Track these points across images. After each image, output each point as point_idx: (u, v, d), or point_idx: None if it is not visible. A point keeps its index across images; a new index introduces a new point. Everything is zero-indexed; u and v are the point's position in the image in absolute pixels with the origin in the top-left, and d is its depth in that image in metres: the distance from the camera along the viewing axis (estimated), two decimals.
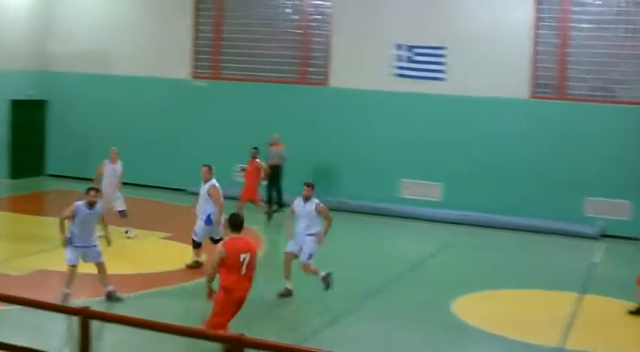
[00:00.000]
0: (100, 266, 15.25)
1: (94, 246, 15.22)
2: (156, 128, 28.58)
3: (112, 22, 29.44)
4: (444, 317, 15.51)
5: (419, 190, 26.08)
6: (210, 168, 17.89)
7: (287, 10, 27.64)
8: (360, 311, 15.77)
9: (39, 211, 24.90)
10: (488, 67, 25.22)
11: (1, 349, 9.16)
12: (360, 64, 26.59)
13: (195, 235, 17.89)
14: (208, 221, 17.65)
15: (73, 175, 27.73)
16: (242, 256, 12.02)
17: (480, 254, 21.91)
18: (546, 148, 24.85)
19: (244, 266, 12.02)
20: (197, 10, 28.52)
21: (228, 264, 11.96)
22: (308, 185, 16.31)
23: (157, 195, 26.76)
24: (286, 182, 25.22)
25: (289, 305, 15.90)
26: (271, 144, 25.34)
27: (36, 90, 29.69)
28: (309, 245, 16.14)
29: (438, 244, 22.33)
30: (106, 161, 20.90)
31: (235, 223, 12.29)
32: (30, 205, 25.47)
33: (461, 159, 25.55)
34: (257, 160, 23.75)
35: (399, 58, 26.13)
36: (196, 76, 28.68)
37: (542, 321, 15.55)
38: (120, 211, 20.76)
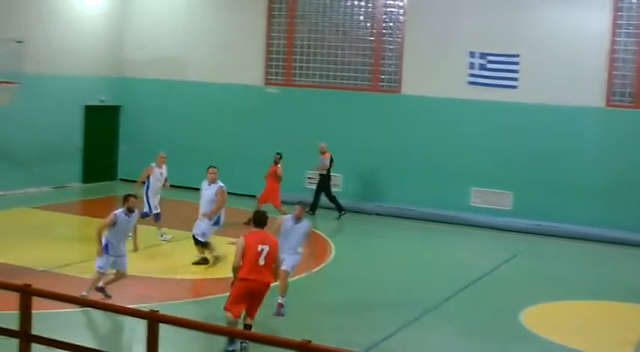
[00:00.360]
0: (121, 275, 15.47)
1: (124, 255, 15.46)
2: (227, 134, 28.71)
3: (186, 30, 29.69)
4: (513, 327, 15.32)
5: (489, 198, 25.84)
6: (217, 169, 18.47)
7: (360, 17, 27.60)
8: (428, 320, 15.62)
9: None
10: (562, 74, 24.89)
11: (70, 350, 9.25)
12: (432, 72, 26.44)
13: (203, 236, 18.02)
14: (217, 222, 17.88)
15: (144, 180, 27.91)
16: (260, 247, 12.51)
17: (549, 264, 21.58)
18: (621, 157, 24.43)
19: (262, 257, 12.45)
20: (270, 17, 28.62)
21: (246, 253, 12.46)
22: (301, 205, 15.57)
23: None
24: (354, 188, 25.22)
25: (355, 313, 15.82)
26: (322, 153, 25.72)
27: (110, 96, 30.08)
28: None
29: (508, 253, 22.04)
30: (153, 164, 21.11)
31: (259, 219, 12.93)
32: (101, 209, 25.63)
33: (532, 167, 25.25)
34: (278, 165, 23.91)
35: (472, 66, 25.92)
36: (268, 83, 28.78)
37: (616, 334, 15.25)
38: (155, 214, 20.97)
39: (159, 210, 20.92)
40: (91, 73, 29.31)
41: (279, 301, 14.93)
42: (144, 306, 13.91)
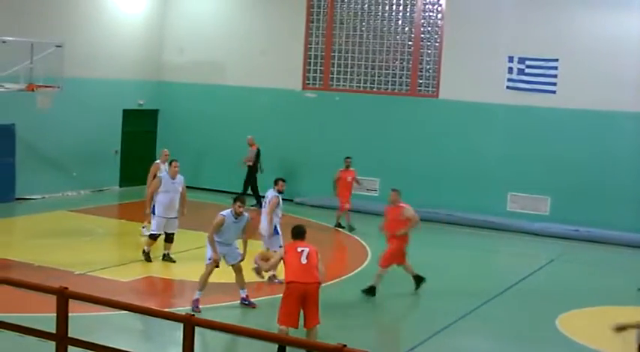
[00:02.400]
0: (238, 268, 15.58)
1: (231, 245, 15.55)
2: (265, 138, 28.75)
3: (224, 34, 29.81)
4: (550, 333, 15.23)
5: (526, 203, 25.71)
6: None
7: (398, 22, 27.58)
8: (465, 325, 15.56)
9: (147, 219, 25.24)
10: (601, 79, 24.73)
11: None
12: (470, 76, 26.36)
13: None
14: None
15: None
16: (300, 248, 12.69)
17: (587, 269, 21.45)
18: None
19: (304, 256, 12.55)
20: (309, 21, 28.67)
21: (288, 258, 12.68)
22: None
23: None
24: (384, 191, 25.19)
25: (392, 316, 15.81)
26: (249, 145, 27.10)
27: (148, 100, 30.28)
28: None
29: (545, 258, 21.92)
30: (161, 165, 21.40)
31: (297, 232, 13.05)
32: (139, 213, 25.83)
33: (570, 172, 25.09)
34: (351, 169, 24.40)
35: (510, 71, 25.82)
36: (307, 87, 28.83)
37: None
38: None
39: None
40: (129, 76, 29.52)
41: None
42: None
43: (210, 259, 15.20)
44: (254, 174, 27.00)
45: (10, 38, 22.20)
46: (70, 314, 9.20)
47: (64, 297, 9.21)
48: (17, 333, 9.69)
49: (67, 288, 9.27)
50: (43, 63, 22.49)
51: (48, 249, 19.22)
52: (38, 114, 24.23)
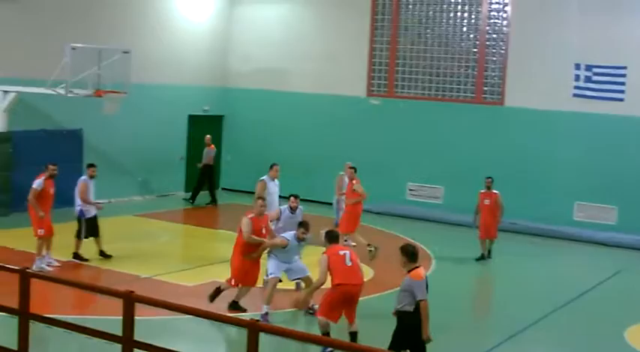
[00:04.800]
0: (308, 280, 15.54)
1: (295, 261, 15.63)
2: (328, 145, 28.80)
3: (289, 41, 29.92)
4: (617, 345, 15.01)
5: (593, 213, 25.36)
6: None
7: (463, 29, 27.42)
8: (529, 335, 15.40)
9: (212, 224, 25.46)
10: None
11: None
12: (536, 84, 26.08)
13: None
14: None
15: (246, 190, 27.92)
16: (341, 252, 13.22)
17: None
18: None
19: (347, 259, 13.05)
20: (373, 28, 28.65)
21: (332, 262, 13.01)
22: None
23: (327, 212, 26.77)
24: (455, 201, 25.10)
25: (454, 326, 15.67)
26: (206, 145, 27.84)
27: (213, 106, 30.50)
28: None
29: (612, 269, 21.57)
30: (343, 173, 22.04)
31: (334, 236, 13.66)
32: (204, 218, 26.08)
33: (638, 181, 24.69)
34: (495, 192, 21.57)
35: (577, 78, 25.51)
36: (371, 94, 28.79)
37: None
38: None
39: None
40: (195, 82, 29.77)
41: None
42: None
43: (271, 274, 15.27)
44: (212, 173, 28.10)
45: (79, 45, 22.54)
46: (136, 318, 9.28)
47: (130, 301, 9.30)
48: (85, 335, 9.80)
49: (133, 292, 9.36)
50: (111, 69, 22.80)
51: (114, 253, 19.40)
52: (105, 119, 24.54)
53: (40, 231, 17.72)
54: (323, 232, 13.78)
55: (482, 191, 21.67)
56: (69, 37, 23.19)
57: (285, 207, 16.83)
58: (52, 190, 17.96)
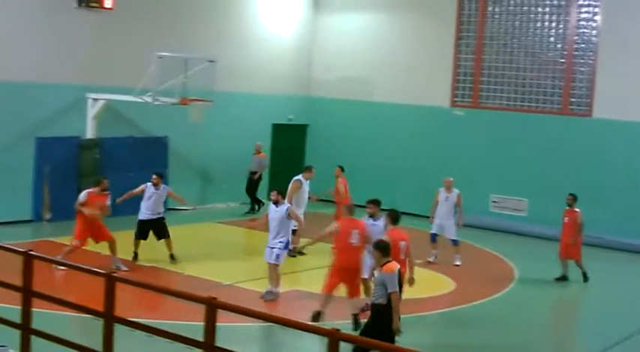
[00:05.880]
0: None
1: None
2: (411, 155, 28.65)
3: (372, 51, 29.89)
4: None
5: None
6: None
7: (550, 39, 27.05)
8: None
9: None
10: None
11: None
12: (627, 94, 25.41)
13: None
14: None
15: (328, 199, 27.77)
16: (352, 230, 14.65)
17: None
18: None
19: (353, 237, 14.48)
20: (458, 38, 28.45)
21: (338, 234, 14.62)
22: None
23: (412, 223, 26.55)
24: (540, 214, 24.83)
25: (540, 340, 15.44)
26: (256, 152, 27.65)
27: (297, 114, 30.63)
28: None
29: None
30: (441, 189, 21.76)
31: (350, 209, 15.35)
32: None
33: None
34: (576, 210, 20.69)
35: None
36: (455, 105, 28.57)
37: None
38: (452, 240, 21.51)
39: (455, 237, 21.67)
40: (279, 91, 29.92)
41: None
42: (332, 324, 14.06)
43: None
44: (256, 181, 27.71)
45: (166, 54, 22.84)
46: (217, 324, 9.31)
47: (212, 307, 9.33)
48: (167, 339, 9.86)
49: (215, 298, 9.39)
50: (196, 77, 23.05)
51: (197, 261, 19.57)
52: (190, 127, 24.80)
53: (75, 242, 18.09)
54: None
55: (566, 208, 20.82)
56: (156, 47, 23.50)
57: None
58: (100, 202, 18.14)
